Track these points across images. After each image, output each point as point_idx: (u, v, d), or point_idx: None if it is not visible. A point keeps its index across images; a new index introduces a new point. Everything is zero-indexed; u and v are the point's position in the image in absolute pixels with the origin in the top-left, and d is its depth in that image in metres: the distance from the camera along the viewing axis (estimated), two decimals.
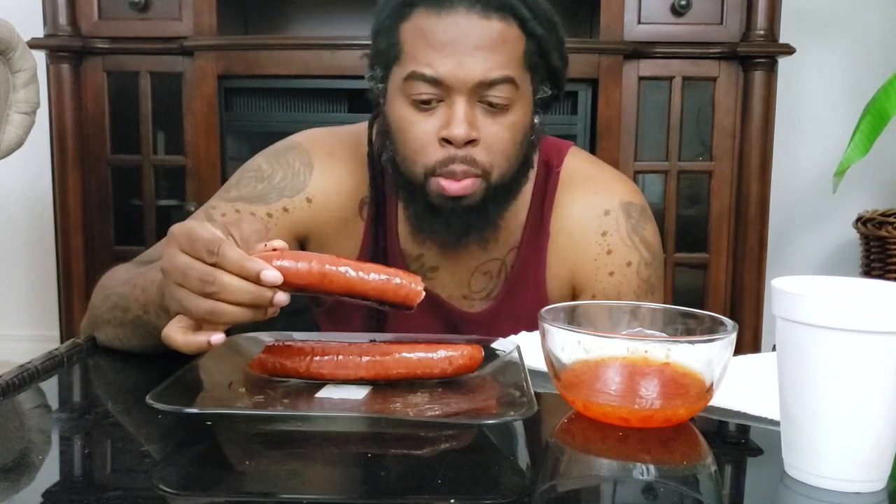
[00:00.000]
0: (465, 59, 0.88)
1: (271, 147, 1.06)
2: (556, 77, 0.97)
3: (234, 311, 0.65)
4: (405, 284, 0.68)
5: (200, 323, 0.67)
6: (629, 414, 0.65)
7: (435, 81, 0.89)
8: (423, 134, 0.91)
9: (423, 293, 0.69)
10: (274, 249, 0.69)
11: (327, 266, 0.67)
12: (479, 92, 0.90)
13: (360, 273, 0.68)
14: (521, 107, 0.93)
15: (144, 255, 0.98)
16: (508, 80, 0.90)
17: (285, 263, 0.66)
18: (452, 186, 0.91)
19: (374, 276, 0.68)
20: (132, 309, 0.84)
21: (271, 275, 0.65)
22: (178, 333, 0.67)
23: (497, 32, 0.89)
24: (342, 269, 0.67)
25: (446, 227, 0.95)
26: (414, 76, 0.90)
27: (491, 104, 0.90)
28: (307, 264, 0.67)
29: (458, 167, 0.90)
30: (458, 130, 0.89)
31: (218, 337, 0.66)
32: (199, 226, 0.66)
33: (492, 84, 0.89)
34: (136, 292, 0.84)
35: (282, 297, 0.66)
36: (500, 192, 0.95)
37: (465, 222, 0.95)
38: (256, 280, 0.65)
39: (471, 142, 0.90)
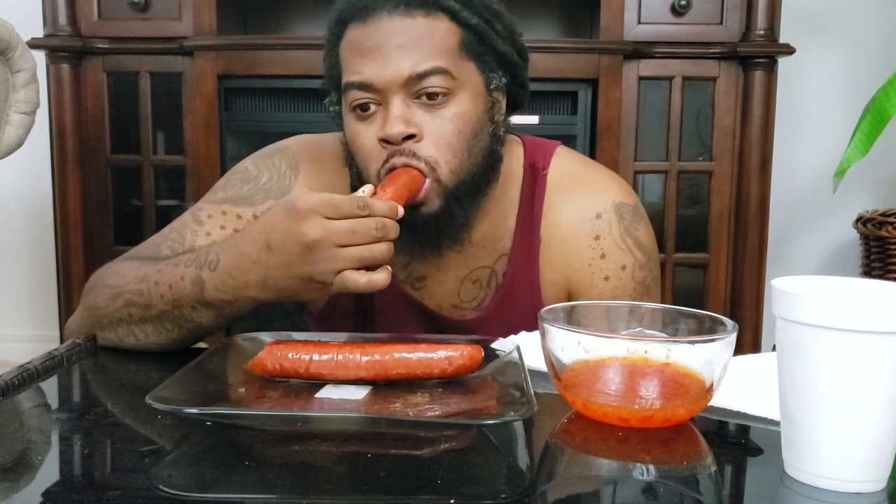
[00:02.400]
0: (390, 59, 0.89)
1: (260, 150, 1.06)
2: (509, 63, 0.96)
3: (386, 248, 0.78)
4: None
5: (368, 266, 0.78)
6: (629, 414, 0.65)
7: (364, 86, 0.90)
8: (367, 141, 0.91)
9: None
10: (374, 193, 0.83)
11: (404, 183, 0.86)
12: (411, 88, 0.89)
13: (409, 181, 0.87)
14: (465, 96, 0.92)
15: (136, 252, 0.98)
16: (439, 71, 0.89)
17: (389, 192, 0.83)
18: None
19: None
20: (156, 305, 0.86)
21: (401, 209, 0.81)
22: (361, 277, 0.78)
23: (422, 29, 0.90)
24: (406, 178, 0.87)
25: (413, 237, 0.94)
26: (347, 87, 0.91)
27: (428, 97, 0.90)
28: (400, 182, 0.86)
29: (397, 160, 0.90)
30: (394, 129, 0.89)
31: (390, 270, 0.80)
32: (327, 195, 0.77)
33: (421, 77, 0.89)
34: (161, 289, 0.86)
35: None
36: (462, 191, 0.93)
37: (433, 232, 0.94)
38: (395, 217, 0.79)
39: (410, 138, 0.90)
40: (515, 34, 0.97)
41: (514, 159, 1.01)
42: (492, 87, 0.95)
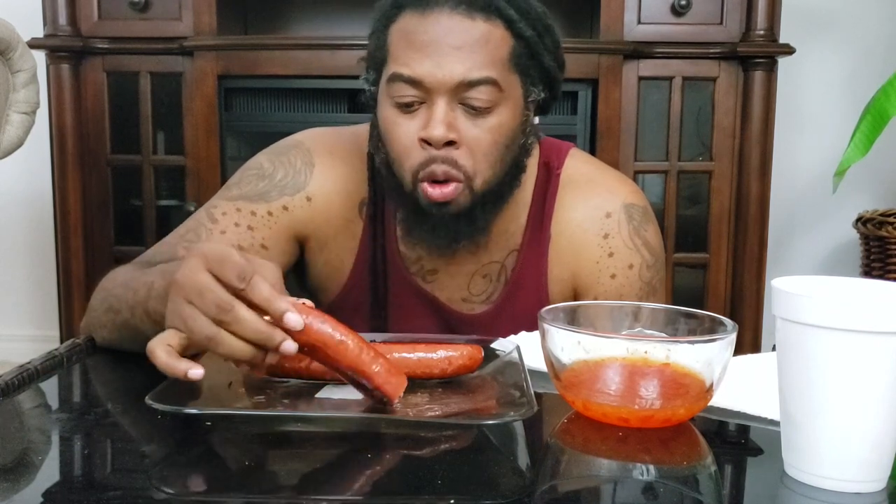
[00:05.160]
0: (445, 59, 0.88)
1: (273, 145, 1.06)
2: (550, 79, 0.97)
3: (234, 345, 0.63)
4: (391, 381, 0.66)
5: (195, 346, 0.66)
6: (629, 414, 0.65)
7: (414, 82, 0.89)
8: (405, 135, 0.91)
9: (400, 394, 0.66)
10: (304, 303, 0.66)
11: (341, 336, 0.65)
12: (459, 93, 0.89)
13: (364, 354, 0.65)
14: (507, 109, 0.92)
15: (145, 256, 0.98)
16: (490, 82, 0.89)
17: (309, 319, 0.64)
18: (435, 192, 0.91)
19: (372, 366, 0.65)
20: (122, 312, 0.84)
21: (294, 318, 0.63)
22: (162, 352, 0.65)
23: (480, 33, 0.89)
24: (352, 341, 0.65)
25: (433, 232, 0.95)
26: (395, 77, 0.90)
27: (472, 107, 0.90)
28: (330, 327, 0.65)
29: (438, 167, 0.90)
30: (436, 131, 0.88)
31: (196, 372, 0.64)
32: (232, 251, 0.65)
33: (472, 85, 0.89)
34: (129, 294, 0.83)
35: (290, 346, 0.64)
36: (487, 198, 0.94)
37: (452, 229, 0.95)
38: (278, 320, 0.63)
39: (451, 143, 0.90)
40: (561, 49, 0.97)
41: (530, 158, 1.02)
42: (529, 99, 0.95)
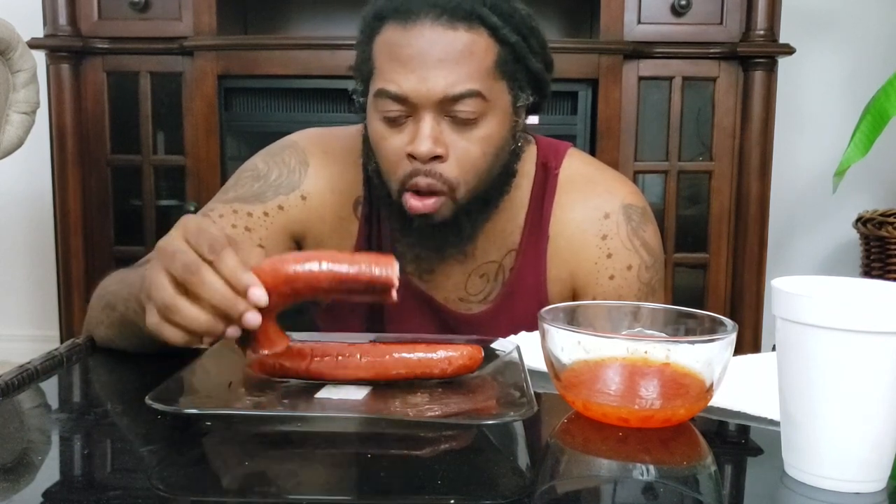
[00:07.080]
0: (429, 73, 0.88)
1: (268, 147, 1.06)
2: (538, 80, 0.96)
3: (191, 314, 0.63)
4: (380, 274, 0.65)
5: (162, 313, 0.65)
6: (629, 414, 0.65)
7: (399, 98, 0.89)
8: (393, 149, 0.91)
9: (396, 277, 0.66)
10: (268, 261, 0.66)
11: (310, 263, 0.65)
12: (444, 107, 0.89)
13: (341, 261, 0.65)
14: (494, 118, 0.92)
15: (143, 260, 0.98)
16: (474, 94, 0.89)
17: (277, 264, 0.65)
18: (417, 204, 0.91)
19: (353, 268, 0.65)
20: (118, 307, 0.84)
21: (259, 293, 0.63)
22: (152, 313, 0.65)
23: (463, 44, 0.88)
24: (325, 259, 0.65)
25: (419, 240, 0.96)
26: (380, 93, 0.90)
27: (458, 119, 0.89)
28: (293, 259, 0.65)
29: (422, 180, 0.90)
30: (422, 147, 0.89)
31: (233, 330, 0.65)
32: (212, 224, 0.65)
33: (456, 99, 0.88)
34: (124, 289, 0.84)
35: (252, 318, 0.64)
36: (473, 207, 0.94)
37: (438, 238, 0.95)
38: (243, 294, 0.63)
39: (437, 157, 0.90)
40: (547, 49, 0.97)
41: (527, 158, 1.02)
42: (518, 105, 0.95)
